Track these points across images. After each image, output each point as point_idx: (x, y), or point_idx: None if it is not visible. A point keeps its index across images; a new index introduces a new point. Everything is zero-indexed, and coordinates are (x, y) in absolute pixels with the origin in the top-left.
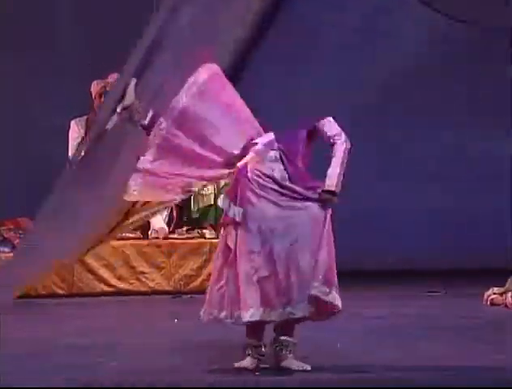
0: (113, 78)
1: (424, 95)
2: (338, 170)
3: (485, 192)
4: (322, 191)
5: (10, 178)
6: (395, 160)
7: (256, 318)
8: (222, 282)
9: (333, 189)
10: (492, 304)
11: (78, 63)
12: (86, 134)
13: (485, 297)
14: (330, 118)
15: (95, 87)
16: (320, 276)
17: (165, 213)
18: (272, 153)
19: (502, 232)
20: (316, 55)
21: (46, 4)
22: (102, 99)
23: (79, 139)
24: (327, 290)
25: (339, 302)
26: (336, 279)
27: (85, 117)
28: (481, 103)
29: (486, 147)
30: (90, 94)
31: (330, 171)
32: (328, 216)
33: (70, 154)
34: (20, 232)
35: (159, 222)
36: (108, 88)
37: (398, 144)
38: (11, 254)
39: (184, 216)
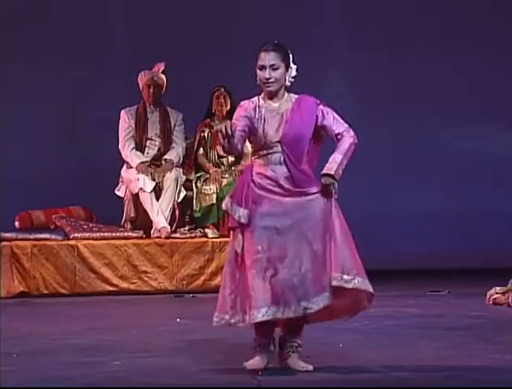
0: (159, 67)
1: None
2: (340, 158)
3: (487, 192)
4: (321, 174)
5: (62, 168)
6: (394, 160)
7: (268, 317)
8: (233, 286)
9: (331, 173)
10: (495, 303)
11: (123, 59)
12: (136, 124)
13: (488, 296)
14: (335, 113)
15: (142, 77)
16: (339, 267)
17: (168, 213)
18: (276, 156)
19: (504, 232)
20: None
21: (98, 8)
22: (150, 89)
23: (129, 129)
24: (348, 278)
25: (367, 287)
26: (360, 265)
27: (135, 107)
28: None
29: (487, 148)
30: (137, 85)
31: (332, 157)
32: (334, 205)
33: (120, 144)
34: (72, 220)
35: (161, 221)
36: (155, 78)
37: (397, 144)
38: (63, 242)
39: (186, 215)
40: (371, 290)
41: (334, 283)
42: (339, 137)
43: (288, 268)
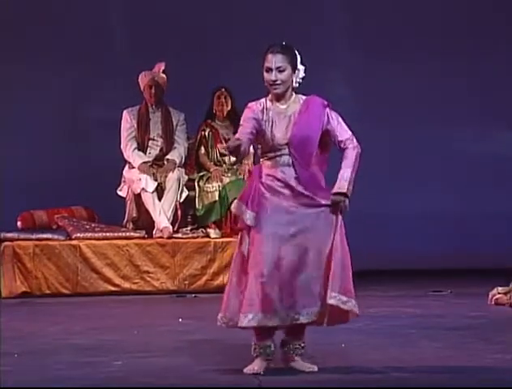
0: (159, 67)
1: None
2: (349, 174)
3: (487, 192)
4: (333, 194)
5: (62, 168)
6: (394, 160)
7: (254, 323)
8: (241, 288)
9: (344, 191)
10: (497, 303)
11: (123, 60)
12: (138, 124)
13: (490, 296)
14: (340, 119)
15: (143, 78)
16: (338, 287)
17: (170, 213)
18: (285, 158)
19: (504, 232)
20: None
21: (98, 8)
22: (152, 90)
23: (131, 130)
24: (345, 299)
25: (357, 309)
26: (352, 286)
27: (137, 107)
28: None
29: (487, 148)
30: (137, 85)
31: (341, 173)
32: (340, 222)
33: (122, 144)
34: (74, 220)
35: (163, 221)
36: (156, 78)
37: (397, 144)
38: (66, 242)
39: (189, 215)
40: (358, 313)
41: (331, 301)
42: (341, 145)
43: (283, 277)
